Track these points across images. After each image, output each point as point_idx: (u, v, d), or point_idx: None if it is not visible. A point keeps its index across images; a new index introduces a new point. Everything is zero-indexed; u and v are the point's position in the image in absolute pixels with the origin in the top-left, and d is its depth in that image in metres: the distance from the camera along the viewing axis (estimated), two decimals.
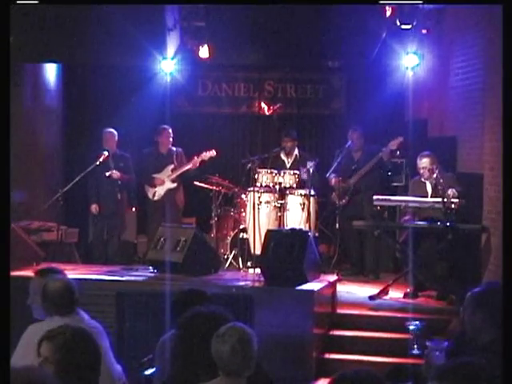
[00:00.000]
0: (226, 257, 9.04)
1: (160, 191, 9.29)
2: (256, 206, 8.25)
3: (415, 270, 7.60)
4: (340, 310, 7.27)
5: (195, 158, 9.19)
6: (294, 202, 8.51)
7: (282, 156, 9.18)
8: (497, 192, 7.17)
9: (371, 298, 7.59)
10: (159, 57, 9.36)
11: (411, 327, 4.29)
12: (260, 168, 8.69)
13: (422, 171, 7.98)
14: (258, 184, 8.55)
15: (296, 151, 9.22)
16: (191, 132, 10.57)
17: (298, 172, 8.66)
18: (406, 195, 8.21)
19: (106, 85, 10.39)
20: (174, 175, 9.29)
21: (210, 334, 3.30)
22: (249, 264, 8.26)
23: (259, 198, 8.45)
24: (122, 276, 7.30)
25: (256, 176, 8.54)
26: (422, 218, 7.77)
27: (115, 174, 9.11)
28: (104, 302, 6.67)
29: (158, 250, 7.39)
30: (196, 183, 9.47)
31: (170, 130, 9.38)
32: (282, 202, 8.48)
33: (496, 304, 3.40)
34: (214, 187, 9.40)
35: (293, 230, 7.38)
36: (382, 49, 8.68)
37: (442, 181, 7.73)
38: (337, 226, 8.81)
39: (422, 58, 9.17)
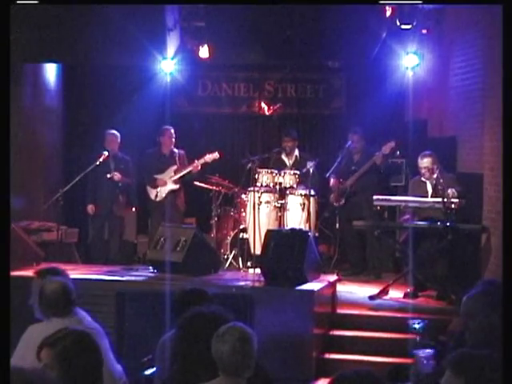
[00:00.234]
0: (225, 257, 9.04)
1: (162, 192, 9.27)
2: (256, 206, 8.25)
3: (415, 269, 7.60)
4: (340, 310, 7.27)
5: (197, 160, 9.16)
6: (294, 202, 8.52)
7: (283, 157, 9.18)
8: (497, 192, 7.17)
9: (371, 297, 7.58)
10: (159, 57, 9.35)
11: (416, 325, 4.26)
12: (260, 168, 8.69)
13: (423, 171, 7.98)
14: (258, 184, 8.55)
15: (296, 152, 9.21)
16: (191, 132, 10.58)
17: (297, 172, 8.66)
18: (406, 195, 8.20)
19: (106, 85, 10.39)
20: (177, 176, 9.27)
21: (210, 333, 3.30)
22: (249, 264, 8.26)
23: (259, 198, 8.45)
24: (122, 276, 7.31)
25: (256, 176, 8.54)
26: (422, 217, 7.77)
27: (116, 175, 9.11)
28: (104, 302, 6.67)
29: (158, 249, 7.39)
30: (196, 183, 9.48)
31: (172, 131, 9.36)
32: (282, 202, 8.48)
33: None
34: (214, 187, 9.40)
35: (293, 229, 7.38)
36: (382, 49, 8.68)
37: (442, 181, 7.73)
38: (337, 226, 8.82)
39: (421, 58, 9.17)
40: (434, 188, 7.91)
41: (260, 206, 8.37)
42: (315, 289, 6.71)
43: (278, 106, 10.27)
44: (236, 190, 9.31)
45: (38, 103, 9.96)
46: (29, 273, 6.47)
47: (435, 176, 7.87)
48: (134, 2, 8.20)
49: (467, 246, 7.74)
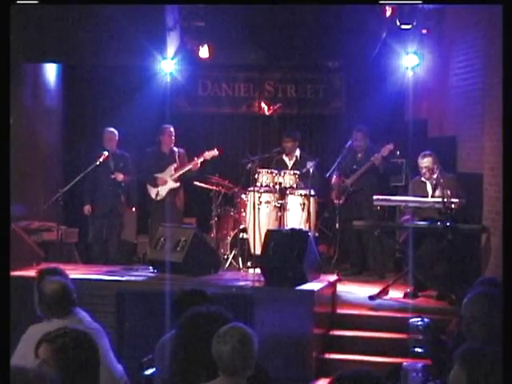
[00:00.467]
0: (225, 257, 9.04)
1: (162, 191, 9.27)
2: (256, 206, 8.25)
3: (415, 269, 7.60)
4: (340, 310, 7.27)
5: (197, 158, 9.18)
6: (294, 202, 8.51)
7: (283, 157, 9.17)
8: (497, 192, 7.17)
9: (371, 297, 7.58)
10: (159, 57, 9.35)
11: (419, 323, 4.25)
12: (260, 168, 8.69)
13: (423, 171, 7.97)
14: (258, 184, 8.54)
15: (297, 152, 9.21)
16: (191, 132, 10.57)
17: (298, 172, 8.66)
18: (406, 195, 8.20)
19: (106, 85, 10.39)
20: (177, 175, 9.27)
21: (210, 334, 3.30)
22: (249, 264, 8.26)
23: (259, 198, 8.44)
24: (122, 276, 7.30)
25: (256, 176, 8.53)
26: (422, 217, 7.77)
27: (119, 176, 9.11)
28: (104, 302, 6.68)
29: (158, 249, 7.39)
30: (196, 183, 9.48)
31: (172, 129, 9.35)
32: (282, 202, 8.47)
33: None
34: (214, 187, 9.41)
35: (293, 229, 7.37)
36: (382, 49, 8.68)
37: (442, 181, 7.72)
38: (337, 226, 8.82)
39: (421, 58, 9.17)
40: (435, 188, 7.91)
41: (260, 206, 8.37)
42: (315, 289, 6.70)
43: (278, 106, 10.26)
44: (236, 190, 9.31)
45: (38, 103, 9.96)
46: (29, 273, 6.48)
47: (435, 176, 7.87)
48: (134, 2, 8.20)
49: (467, 246, 7.74)
